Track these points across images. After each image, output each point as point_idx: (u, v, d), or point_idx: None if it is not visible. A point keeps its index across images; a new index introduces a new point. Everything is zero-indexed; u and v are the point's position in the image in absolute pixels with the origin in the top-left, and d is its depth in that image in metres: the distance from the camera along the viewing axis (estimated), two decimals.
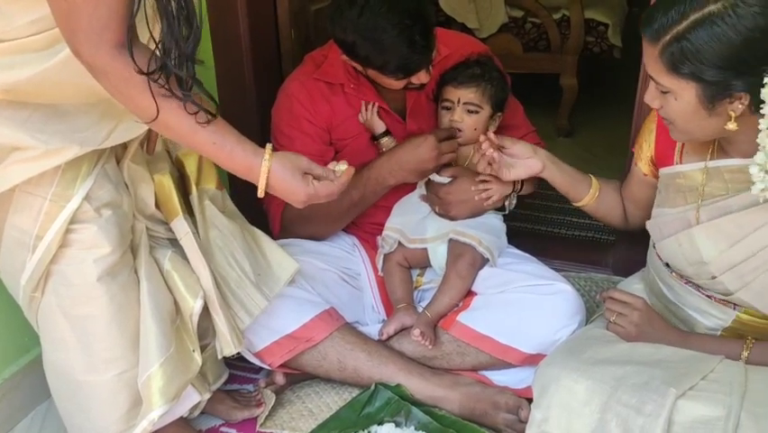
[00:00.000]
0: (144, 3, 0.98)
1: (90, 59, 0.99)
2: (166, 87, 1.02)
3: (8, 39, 1.02)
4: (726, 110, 1.09)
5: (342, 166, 1.25)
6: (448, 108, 1.62)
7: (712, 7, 1.04)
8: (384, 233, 1.69)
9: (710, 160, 1.24)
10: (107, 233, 1.21)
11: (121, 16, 0.96)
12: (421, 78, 1.54)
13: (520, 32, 3.20)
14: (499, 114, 1.66)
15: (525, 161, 1.49)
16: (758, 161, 1.05)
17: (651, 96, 1.17)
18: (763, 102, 1.03)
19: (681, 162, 1.30)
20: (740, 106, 1.08)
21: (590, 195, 1.51)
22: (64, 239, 1.19)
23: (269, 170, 1.15)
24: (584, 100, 3.25)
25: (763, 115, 1.03)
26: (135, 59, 0.98)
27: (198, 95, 1.08)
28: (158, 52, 1.00)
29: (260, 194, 1.18)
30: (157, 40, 1.00)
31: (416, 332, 1.54)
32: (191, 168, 1.41)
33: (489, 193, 1.60)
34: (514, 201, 1.68)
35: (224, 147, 1.12)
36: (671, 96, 1.13)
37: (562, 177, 1.51)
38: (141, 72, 0.99)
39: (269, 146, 1.17)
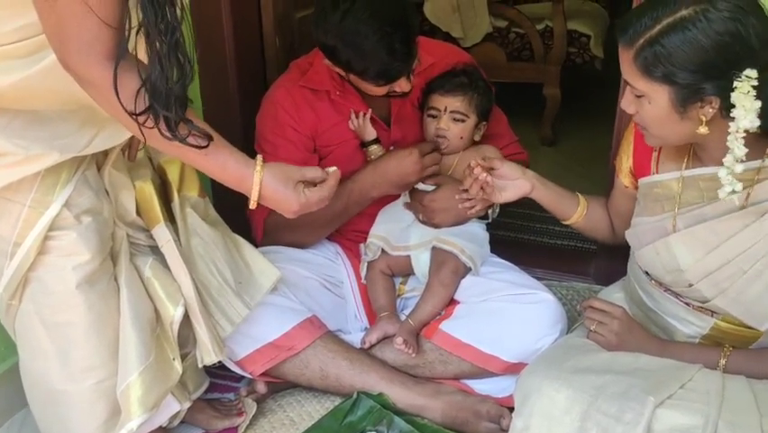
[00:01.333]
0: (135, 37, 0.97)
1: (80, 70, 0.99)
2: (152, 127, 1.02)
3: None
4: (697, 114, 1.12)
5: (330, 169, 1.25)
6: (434, 116, 1.64)
7: (684, 12, 1.07)
8: (368, 240, 1.69)
9: (686, 168, 1.26)
10: (87, 240, 1.20)
11: (111, 30, 0.96)
12: (402, 85, 1.54)
13: (504, 41, 3.23)
14: (484, 123, 1.68)
15: (515, 182, 1.50)
16: (727, 164, 1.07)
17: (627, 102, 1.20)
18: (733, 106, 1.06)
19: (657, 172, 1.32)
20: (711, 110, 1.10)
21: (578, 213, 1.52)
22: (43, 246, 1.17)
23: (261, 182, 1.15)
24: (567, 110, 3.28)
25: (733, 119, 1.06)
26: (122, 86, 0.97)
27: (192, 109, 1.08)
28: (144, 92, 0.99)
29: (252, 205, 1.18)
30: (144, 78, 0.99)
31: (399, 340, 1.54)
32: (173, 175, 1.40)
33: (473, 202, 1.60)
34: (497, 210, 1.69)
35: (216, 158, 1.12)
36: (645, 101, 1.15)
37: (550, 197, 1.52)
38: (129, 113, 0.99)
39: (259, 157, 1.18)
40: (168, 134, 1.03)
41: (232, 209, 1.55)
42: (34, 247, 1.16)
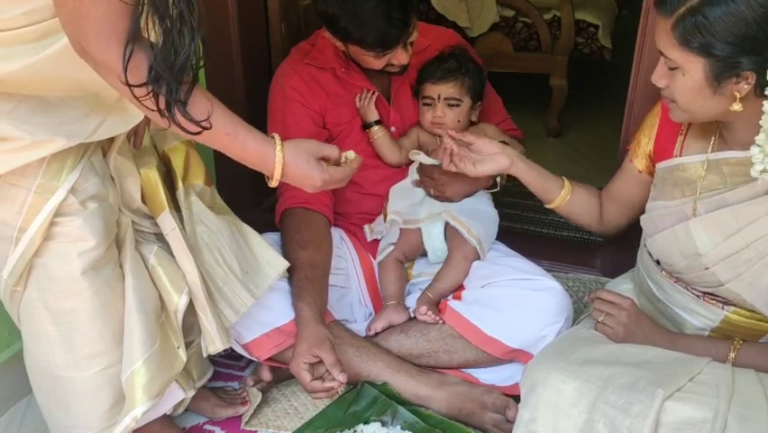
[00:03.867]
0: (146, 19, 0.96)
1: (98, 54, 0.97)
2: (154, 109, 1.02)
3: (1, 29, 1.00)
4: (730, 90, 1.11)
5: (350, 155, 1.28)
6: (429, 104, 1.65)
7: None
8: (387, 218, 1.69)
9: (711, 152, 1.25)
10: (92, 226, 1.19)
11: (127, 9, 0.95)
12: (399, 57, 1.57)
13: (511, 31, 3.20)
14: (479, 102, 1.68)
15: (493, 156, 1.50)
16: (759, 142, 1.06)
17: (658, 75, 1.18)
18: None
19: (681, 155, 1.31)
20: (745, 87, 1.09)
21: (561, 197, 1.52)
22: (48, 232, 1.17)
23: (284, 159, 1.16)
24: (573, 101, 3.26)
25: (767, 97, 1.04)
26: (132, 68, 0.97)
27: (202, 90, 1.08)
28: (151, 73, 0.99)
29: (274, 184, 1.19)
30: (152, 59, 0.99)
31: (423, 309, 1.55)
32: (178, 163, 1.40)
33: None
34: (504, 179, 1.68)
35: (237, 137, 1.13)
36: (678, 73, 1.14)
37: (530, 175, 1.52)
38: (126, 84, 0.98)
39: (276, 136, 1.19)
40: (166, 115, 1.02)
41: (236, 198, 1.54)
42: (40, 233, 1.15)
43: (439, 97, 1.62)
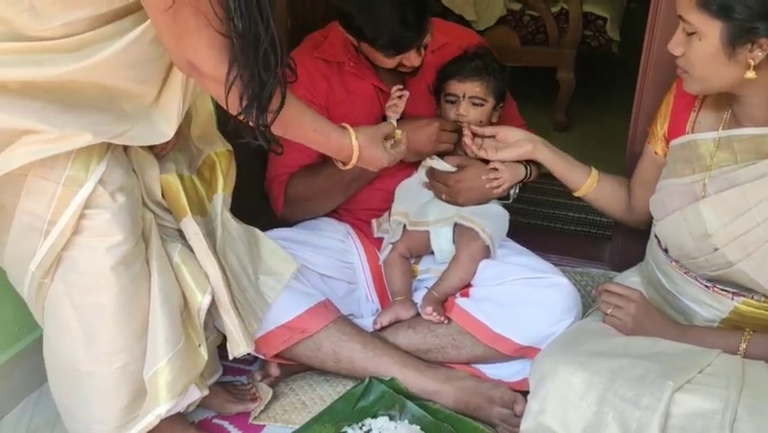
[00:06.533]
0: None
1: (213, 71, 1.07)
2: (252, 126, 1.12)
3: (39, 38, 1.04)
4: (745, 58, 1.12)
5: (398, 132, 1.46)
6: (452, 102, 1.64)
7: None
8: (391, 218, 1.68)
9: (723, 129, 1.25)
10: (119, 221, 1.19)
11: (224, 37, 1.05)
12: (412, 59, 1.56)
13: (518, 24, 3.19)
14: (501, 104, 1.67)
15: (516, 142, 1.54)
16: None
17: (675, 42, 1.20)
18: None
19: (693, 132, 1.31)
20: (759, 54, 1.11)
21: (588, 184, 1.53)
22: (77, 225, 1.17)
23: (360, 146, 1.33)
24: (581, 94, 3.24)
25: None
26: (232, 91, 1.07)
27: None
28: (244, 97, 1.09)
29: (349, 167, 1.37)
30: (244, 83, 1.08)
31: (429, 309, 1.55)
32: (223, 168, 1.46)
33: (500, 181, 1.60)
34: (517, 190, 1.68)
35: (323, 131, 1.30)
36: (695, 39, 1.15)
37: (555, 161, 1.54)
38: (232, 116, 1.10)
39: (349, 126, 1.34)
40: (259, 139, 1.14)
41: (239, 201, 1.55)
42: (70, 225, 1.16)
43: (464, 96, 1.62)
